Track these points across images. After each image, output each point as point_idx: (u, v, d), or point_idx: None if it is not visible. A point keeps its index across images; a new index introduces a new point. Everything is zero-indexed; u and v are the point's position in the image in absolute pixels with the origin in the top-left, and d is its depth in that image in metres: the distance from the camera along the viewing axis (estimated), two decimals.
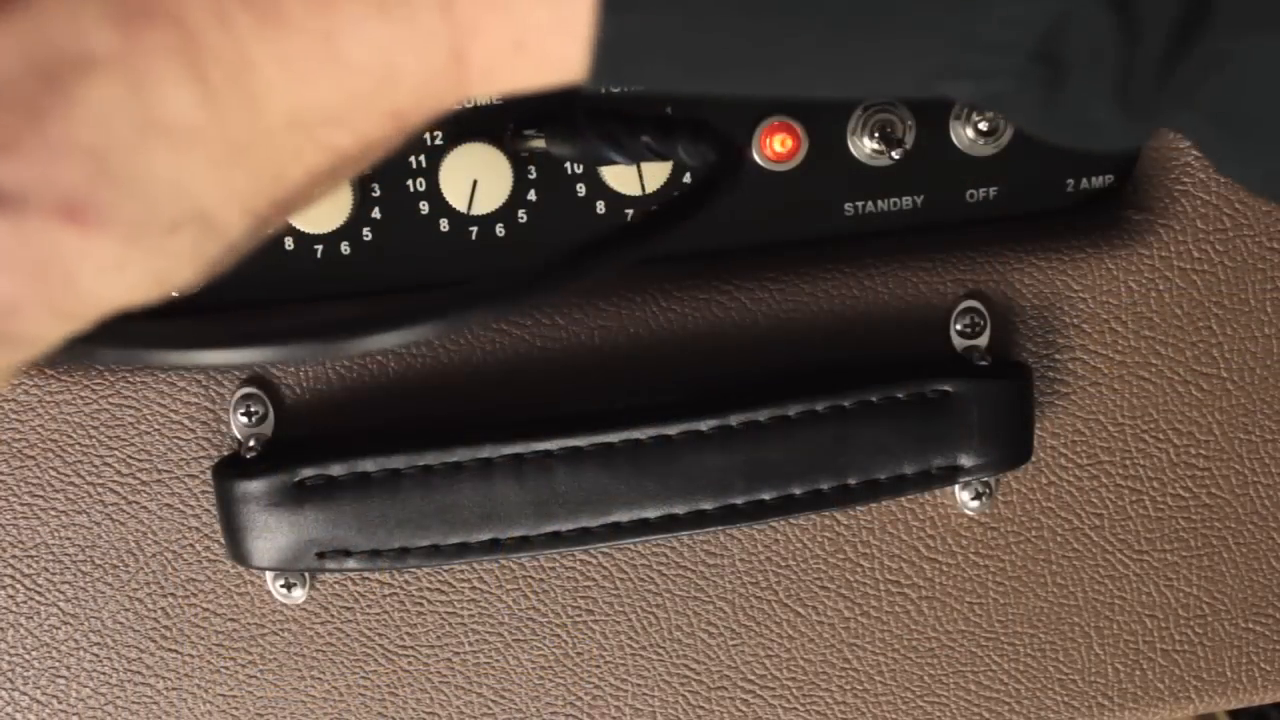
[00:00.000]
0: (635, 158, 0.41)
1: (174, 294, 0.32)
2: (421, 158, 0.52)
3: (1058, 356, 0.55)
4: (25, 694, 0.54)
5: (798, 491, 0.52)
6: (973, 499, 0.55)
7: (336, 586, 0.54)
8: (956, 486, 0.55)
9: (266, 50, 0.28)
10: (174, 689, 0.54)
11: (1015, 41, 0.29)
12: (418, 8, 0.28)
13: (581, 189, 0.53)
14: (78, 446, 0.52)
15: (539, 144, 0.50)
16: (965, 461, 0.53)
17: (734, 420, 0.51)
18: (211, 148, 0.28)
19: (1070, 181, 0.56)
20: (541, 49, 0.29)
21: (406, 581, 0.54)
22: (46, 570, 0.53)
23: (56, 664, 0.54)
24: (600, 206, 0.53)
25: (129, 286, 0.30)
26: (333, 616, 0.54)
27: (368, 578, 0.54)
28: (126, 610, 0.53)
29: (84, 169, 0.28)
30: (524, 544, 0.51)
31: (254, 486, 0.50)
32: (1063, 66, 0.30)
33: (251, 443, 0.51)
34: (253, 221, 0.31)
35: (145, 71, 0.27)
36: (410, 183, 0.52)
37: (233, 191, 0.29)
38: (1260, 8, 0.29)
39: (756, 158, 0.54)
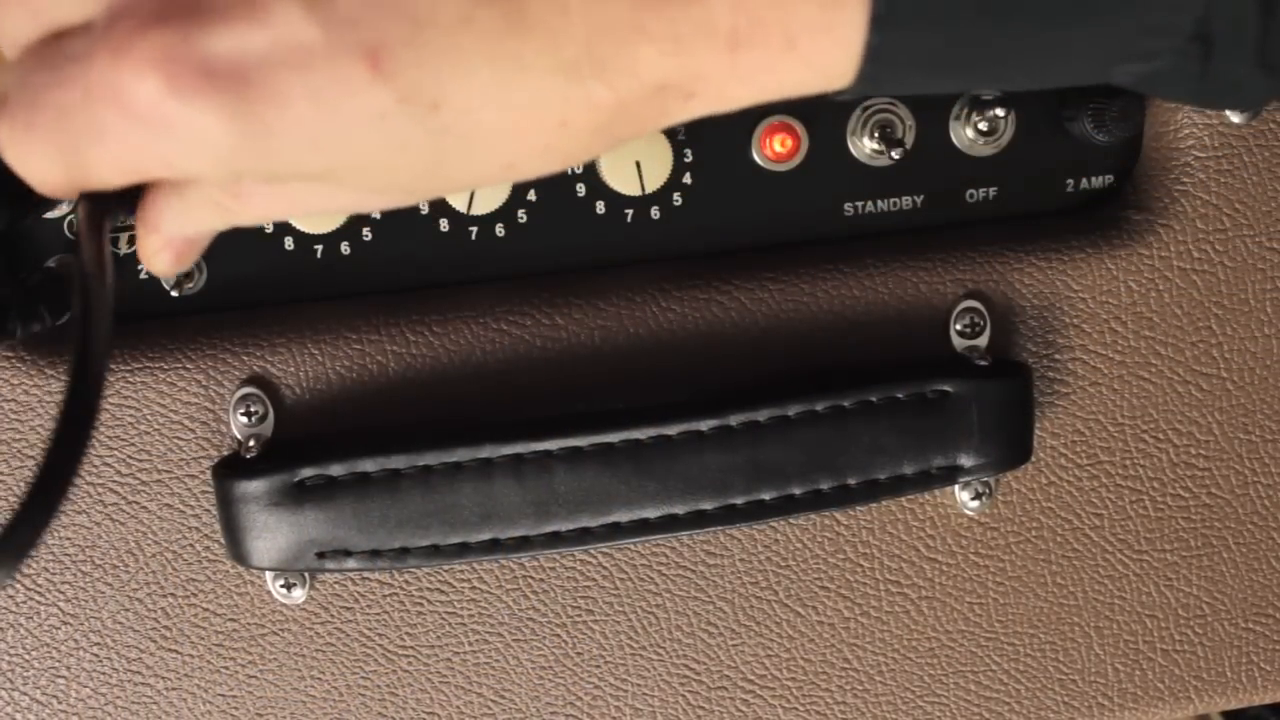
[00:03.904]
0: None
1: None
2: None
3: (1058, 356, 0.55)
4: (25, 694, 0.54)
5: (797, 491, 0.52)
6: (973, 499, 0.55)
7: (336, 587, 0.54)
8: (956, 486, 0.55)
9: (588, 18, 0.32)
10: (174, 689, 0.54)
11: (1177, 26, 0.35)
12: None
13: (581, 189, 0.53)
14: None
15: None
16: (965, 461, 0.53)
17: (734, 420, 0.51)
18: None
19: (1070, 181, 0.56)
20: (810, 50, 0.33)
21: (406, 582, 0.54)
22: (46, 570, 0.53)
23: (56, 664, 0.54)
24: (600, 207, 0.54)
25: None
26: (333, 617, 0.54)
27: (368, 578, 0.54)
28: (126, 610, 0.53)
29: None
30: (524, 544, 0.51)
31: (254, 486, 0.50)
32: (1211, 41, 0.35)
33: (251, 443, 0.52)
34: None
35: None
36: None
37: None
38: None
39: (756, 158, 0.54)
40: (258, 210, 0.37)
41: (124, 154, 0.33)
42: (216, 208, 0.37)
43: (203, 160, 0.33)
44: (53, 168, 0.35)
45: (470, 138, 0.33)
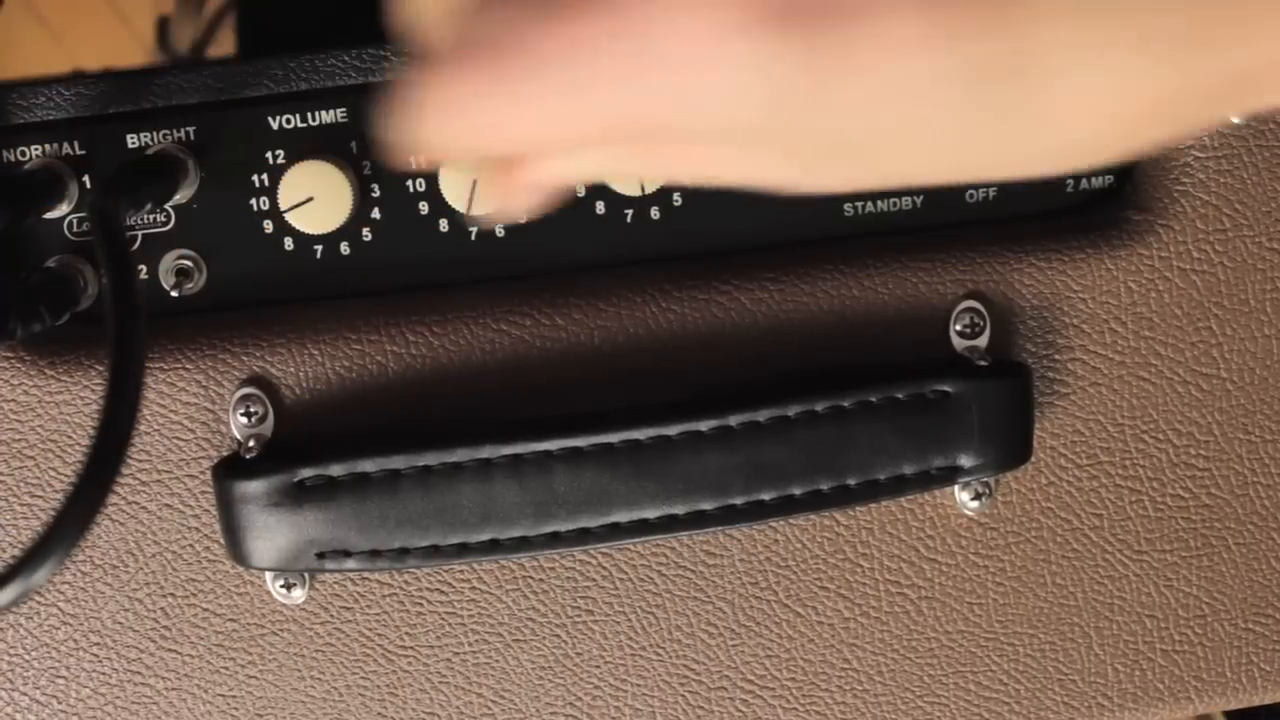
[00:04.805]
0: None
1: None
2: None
3: (1057, 357, 0.55)
4: (25, 694, 0.54)
5: (797, 492, 0.52)
6: (972, 499, 0.55)
7: (336, 587, 0.54)
8: (956, 487, 0.55)
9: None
10: (174, 689, 0.54)
11: None
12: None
13: (580, 189, 0.53)
14: (78, 446, 0.52)
15: None
16: (965, 462, 0.53)
17: (733, 420, 0.51)
18: None
19: (1070, 182, 0.56)
20: None
21: (406, 582, 0.54)
22: None
23: (56, 664, 0.54)
24: (600, 207, 0.54)
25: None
26: (332, 617, 0.54)
27: (367, 578, 0.54)
28: (126, 610, 0.53)
29: None
30: (523, 544, 0.51)
31: (253, 487, 0.50)
32: None
33: (251, 443, 0.52)
34: None
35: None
36: (410, 183, 0.52)
37: None
38: None
39: None
40: (664, 172, 0.33)
41: (624, 103, 0.29)
42: (619, 162, 0.33)
43: (730, 115, 0.29)
44: (497, 121, 0.30)
45: (1035, 116, 0.29)
